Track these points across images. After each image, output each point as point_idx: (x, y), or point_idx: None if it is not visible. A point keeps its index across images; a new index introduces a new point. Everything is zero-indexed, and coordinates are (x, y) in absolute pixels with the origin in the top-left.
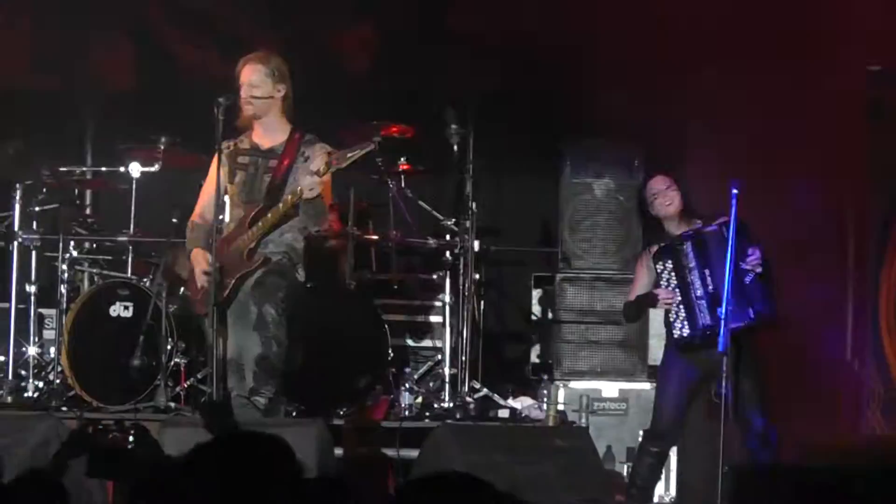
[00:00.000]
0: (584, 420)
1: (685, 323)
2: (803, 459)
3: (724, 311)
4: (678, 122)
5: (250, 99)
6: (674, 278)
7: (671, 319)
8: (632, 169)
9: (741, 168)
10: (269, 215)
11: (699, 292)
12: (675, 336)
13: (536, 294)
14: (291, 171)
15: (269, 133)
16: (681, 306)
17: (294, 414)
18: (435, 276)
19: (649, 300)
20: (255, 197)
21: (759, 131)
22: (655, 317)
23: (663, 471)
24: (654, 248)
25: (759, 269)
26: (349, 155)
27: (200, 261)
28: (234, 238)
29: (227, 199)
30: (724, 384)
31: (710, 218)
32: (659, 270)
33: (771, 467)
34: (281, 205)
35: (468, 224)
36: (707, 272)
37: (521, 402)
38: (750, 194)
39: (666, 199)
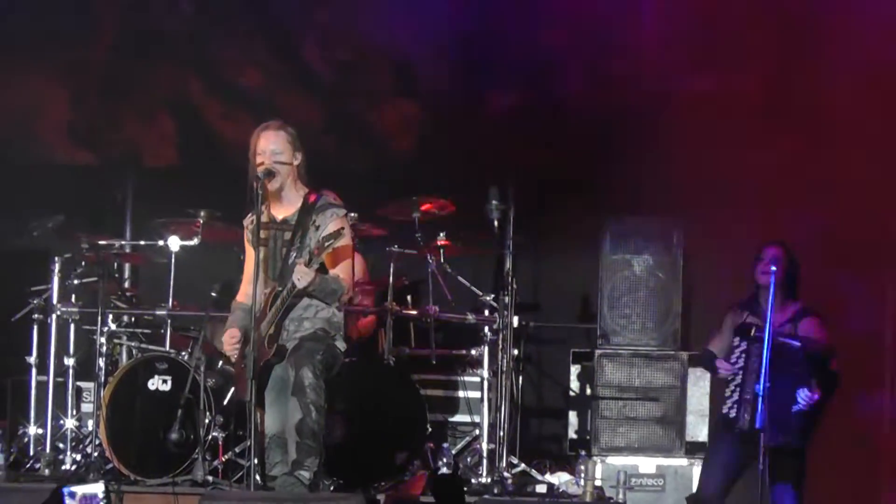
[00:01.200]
0: (621, 496)
1: (734, 406)
2: None
3: (761, 387)
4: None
5: (275, 165)
6: (741, 360)
7: (725, 394)
8: (671, 245)
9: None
10: (279, 302)
11: (748, 396)
12: (724, 412)
13: (575, 370)
14: (304, 244)
15: (285, 203)
16: (737, 388)
17: (333, 488)
18: (474, 352)
19: (712, 366)
20: (276, 275)
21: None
22: (693, 394)
23: None
24: (745, 317)
25: (805, 409)
26: (326, 244)
27: (227, 339)
28: (261, 320)
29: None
30: (761, 459)
31: (801, 316)
32: (734, 344)
33: None
34: (285, 293)
35: (507, 300)
36: (765, 378)
37: (559, 478)
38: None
39: (767, 267)
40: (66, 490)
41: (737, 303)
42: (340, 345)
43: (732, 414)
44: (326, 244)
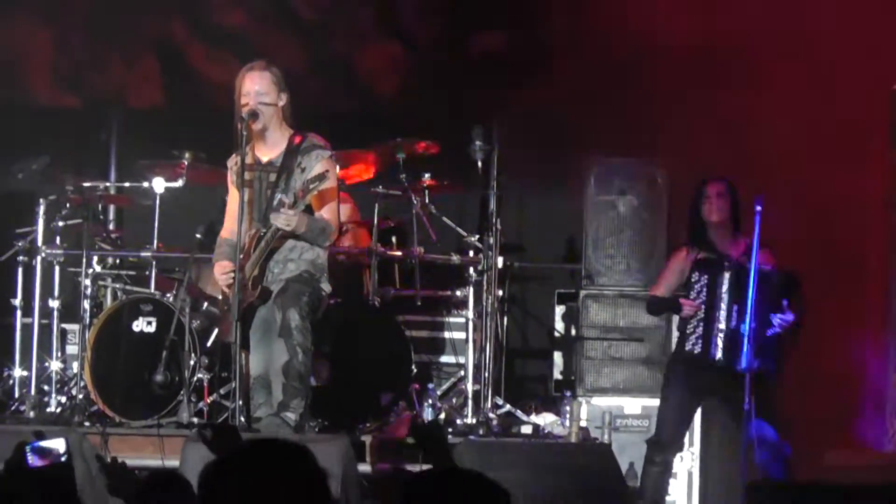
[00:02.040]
0: (607, 437)
1: (699, 341)
2: (820, 476)
3: (746, 328)
4: (704, 138)
5: (259, 106)
6: (703, 294)
7: (687, 330)
8: (655, 185)
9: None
10: (263, 244)
11: (721, 325)
12: (687, 349)
13: (560, 311)
14: (290, 186)
15: (270, 145)
16: (700, 323)
17: (317, 430)
18: (458, 293)
19: (674, 306)
20: (260, 216)
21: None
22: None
23: (685, 486)
24: (698, 255)
25: (780, 331)
26: (311, 186)
27: (218, 272)
28: (245, 262)
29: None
30: (747, 400)
31: (751, 247)
32: (693, 280)
33: (787, 484)
34: (268, 235)
35: (492, 241)
36: (735, 308)
37: (544, 419)
38: (771, 212)
39: (713, 206)
40: (31, 446)
41: (682, 243)
42: (326, 287)
43: (698, 349)
44: (311, 187)
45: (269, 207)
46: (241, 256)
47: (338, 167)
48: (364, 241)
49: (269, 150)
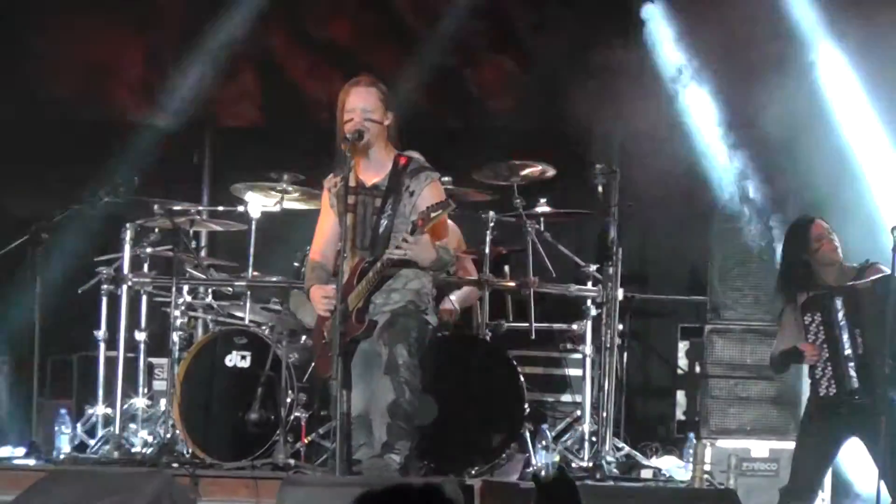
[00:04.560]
0: (732, 481)
1: (832, 382)
2: None
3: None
4: None
5: (366, 123)
6: (822, 333)
7: (817, 376)
8: (787, 213)
9: None
10: (371, 274)
11: (848, 352)
12: (821, 394)
13: (683, 346)
14: (398, 211)
15: (374, 166)
16: (828, 363)
17: (423, 473)
18: (575, 327)
19: (796, 356)
20: (368, 243)
21: None
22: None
23: None
24: (803, 297)
25: None
26: (433, 215)
27: (318, 293)
28: (347, 292)
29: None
30: (881, 444)
31: (865, 269)
32: (807, 322)
33: None
34: (379, 265)
35: (612, 271)
36: (858, 332)
37: (666, 462)
38: None
39: (833, 244)
40: None
41: (787, 300)
42: (432, 319)
43: (833, 391)
44: (433, 215)
45: (375, 234)
46: (344, 284)
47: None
48: (469, 271)
49: (374, 173)
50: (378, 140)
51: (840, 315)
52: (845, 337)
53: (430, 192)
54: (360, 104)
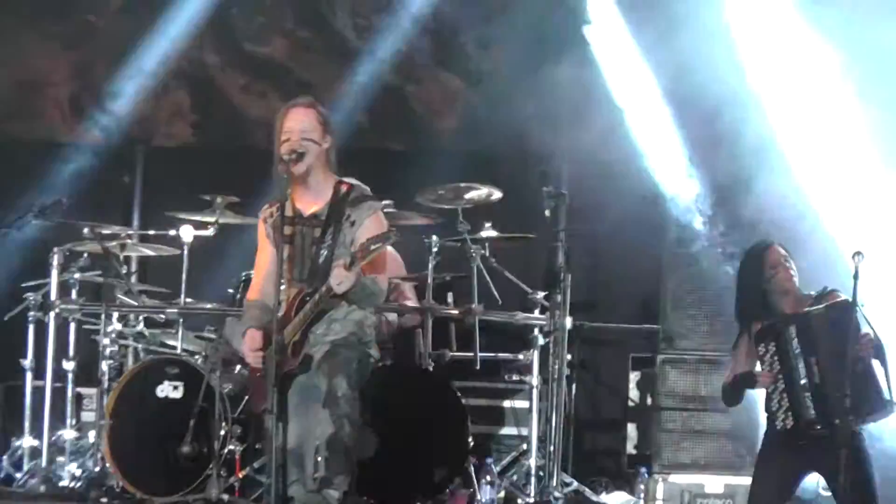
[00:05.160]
0: None
1: (788, 414)
2: None
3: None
4: None
5: (304, 143)
6: (776, 363)
7: (773, 409)
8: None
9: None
10: (308, 307)
11: (803, 382)
12: (778, 428)
13: (634, 377)
14: (338, 241)
15: (312, 194)
16: (784, 395)
17: None
18: (522, 356)
19: (748, 380)
20: (305, 276)
21: None
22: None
23: None
24: (758, 327)
25: (867, 354)
26: (372, 248)
27: (247, 343)
28: (284, 325)
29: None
30: (842, 479)
31: (822, 296)
32: (761, 353)
33: None
34: (318, 297)
35: (560, 298)
36: (813, 360)
37: (616, 498)
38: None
39: (789, 272)
40: None
41: (743, 329)
42: (374, 353)
43: (790, 423)
44: (373, 247)
45: (314, 266)
46: (281, 316)
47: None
48: (408, 297)
49: (312, 201)
50: (316, 164)
51: (794, 343)
52: (801, 366)
53: (372, 224)
54: (298, 125)
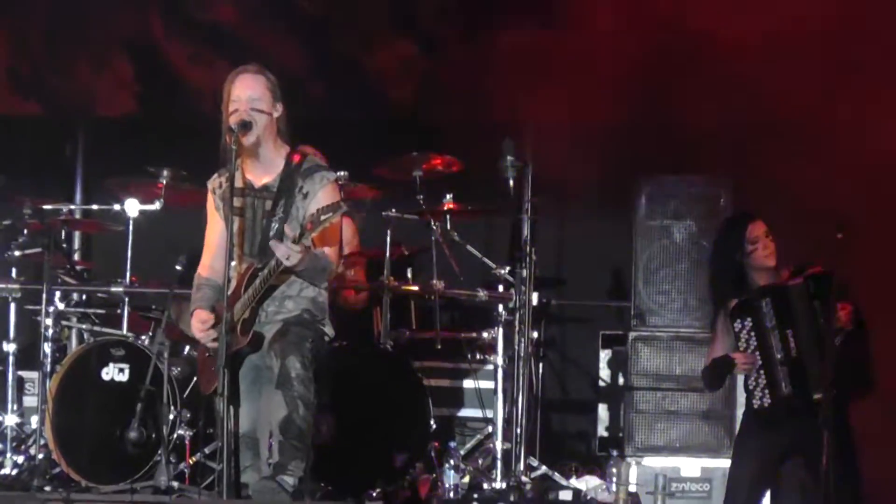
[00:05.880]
0: (660, 503)
1: (766, 392)
2: None
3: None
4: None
5: (253, 113)
6: (753, 339)
7: (750, 387)
8: (717, 208)
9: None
10: (258, 283)
11: (780, 356)
12: (755, 406)
13: (605, 355)
14: (290, 214)
15: (263, 165)
16: (761, 372)
17: (319, 496)
18: (486, 335)
19: (727, 365)
20: (257, 250)
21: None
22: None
23: None
24: (733, 303)
25: (848, 327)
26: (322, 218)
27: (196, 323)
28: (233, 302)
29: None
30: (824, 461)
31: (801, 270)
32: (737, 329)
33: None
34: (266, 272)
35: (525, 273)
36: (790, 333)
37: (587, 483)
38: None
39: (767, 248)
40: None
41: (719, 306)
42: (328, 330)
43: (767, 401)
44: (323, 218)
45: (265, 240)
46: (230, 294)
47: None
48: (364, 274)
49: (263, 172)
50: (267, 134)
51: (770, 316)
52: (776, 339)
53: (326, 195)
54: (246, 94)
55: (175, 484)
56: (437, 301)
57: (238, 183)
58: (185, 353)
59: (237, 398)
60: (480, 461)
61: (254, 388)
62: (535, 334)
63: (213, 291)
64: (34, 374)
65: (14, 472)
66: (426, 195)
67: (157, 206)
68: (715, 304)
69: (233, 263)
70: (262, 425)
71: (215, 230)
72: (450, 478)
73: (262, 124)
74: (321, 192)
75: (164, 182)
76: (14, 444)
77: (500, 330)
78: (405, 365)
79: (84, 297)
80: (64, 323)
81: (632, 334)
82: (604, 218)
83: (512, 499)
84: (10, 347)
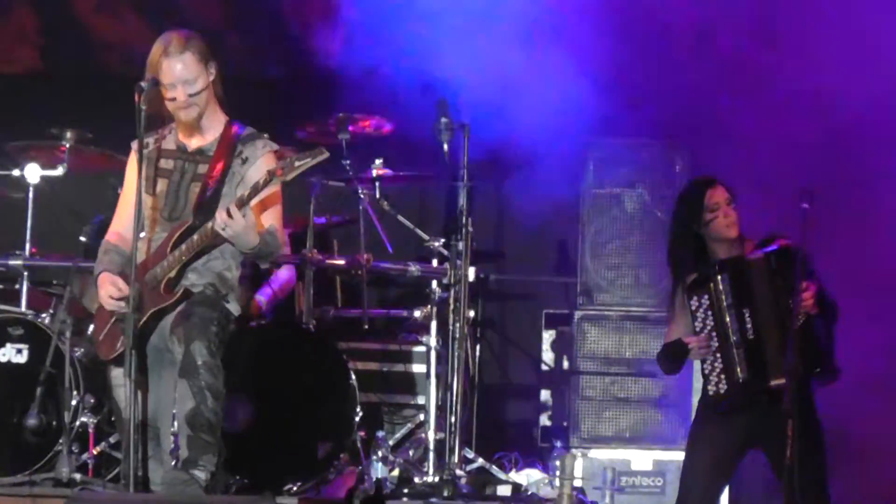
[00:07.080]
0: (608, 499)
1: (721, 377)
2: None
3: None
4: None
5: (192, 100)
6: (710, 319)
7: (706, 371)
8: (673, 175)
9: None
10: (196, 238)
11: (736, 338)
12: (711, 392)
13: (548, 336)
14: (226, 178)
15: (201, 129)
16: (717, 355)
17: (234, 491)
18: (418, 314)
19: (680, 350)
20: (180, 213)
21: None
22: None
23: None
24: (691, 279)
25: (812, 311)
26: (297, 164)
27: (107, 285)
28: (151, 264)
29: (147, 213)
30: (788, 454)
31: (766, 243)
32: (693, 308)
33: None
34: (197, 236)
35: (461, 246)
36: (747, 312)
37: (528, 477)
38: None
39: (728, 217)
40: None
41: (677, 281)
42: (234, 308)
43: (723, 387)
44: (297, 164)
45: (200, 205)
46: (154, 253)
47: None
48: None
49: (199, 137)
50: (208, 106)
51: (726, 294)
52: (733, 319)
53: (266, 163)
54: (179, 79)
55: (77, 476)
56: (365, 276)
57: (171, 145)
58: (90, 332)
59: (145, 382)
60: (411, 452)
61: (153, 373)
62: (472, 313)
63: (122, 257)
64: None
65: None
66: (353, 160)
67: (59, 171)
68: (674, 280)
69: (142, 235)
70: (164, 413)
71: (130, 196)
72: (377, 470)
73: (203, 100)
74: (262, 160)
75: (68, 145)
76: None
77: (434, 308)
78: (329, 346)
79: None
80: None
81: (578, 313)
82: (547, 186)
83: (445, 494)
84: None
